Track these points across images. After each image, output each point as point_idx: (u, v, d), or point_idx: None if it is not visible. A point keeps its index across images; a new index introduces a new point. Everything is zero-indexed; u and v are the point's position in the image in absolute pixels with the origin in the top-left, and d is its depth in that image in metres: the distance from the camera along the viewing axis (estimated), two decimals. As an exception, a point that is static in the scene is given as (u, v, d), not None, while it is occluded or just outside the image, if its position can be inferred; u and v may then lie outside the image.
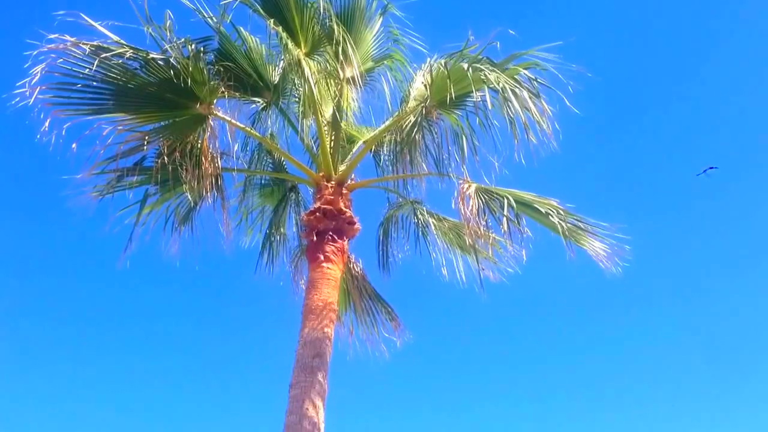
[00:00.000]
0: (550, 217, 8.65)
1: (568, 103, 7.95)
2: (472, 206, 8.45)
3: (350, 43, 8.54)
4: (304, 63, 8.24)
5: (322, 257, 8.60)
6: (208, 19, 8.54)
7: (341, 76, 8.77)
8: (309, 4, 8.83)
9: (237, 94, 8.83)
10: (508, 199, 8.49)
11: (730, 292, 23.64)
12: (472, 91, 7.97)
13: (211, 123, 8.59)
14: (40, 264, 23.30)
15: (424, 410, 23.07)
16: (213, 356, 23.75)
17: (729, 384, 22.23)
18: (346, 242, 8.97)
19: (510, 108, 7.67)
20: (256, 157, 10.32)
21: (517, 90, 7.77)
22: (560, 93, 7.97)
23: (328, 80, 9.21)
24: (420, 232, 10.46)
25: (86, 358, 22.80)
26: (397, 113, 9.42)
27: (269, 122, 9.64)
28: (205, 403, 23.04)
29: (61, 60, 7.76)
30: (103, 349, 23.22)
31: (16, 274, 22.55)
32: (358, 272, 10.36)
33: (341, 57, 8.50)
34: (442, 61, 8.41)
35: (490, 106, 7.87)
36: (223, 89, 8.51)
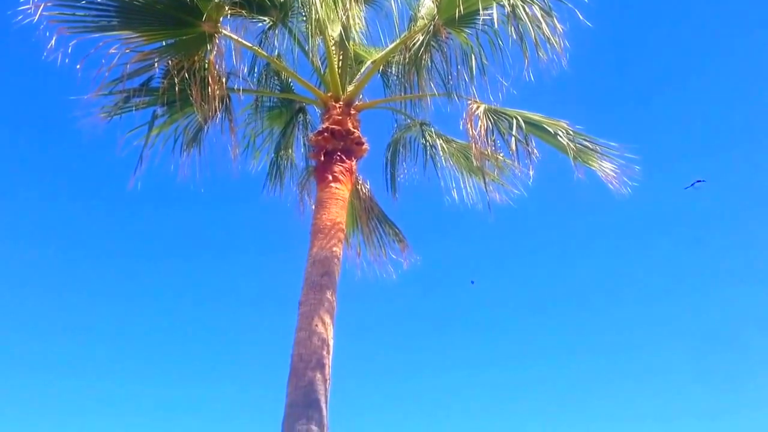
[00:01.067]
0: (558, 137, 8.62)
1: (581, 17, 7.83)
2: (481, 127, 8.43)
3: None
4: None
5: (330, 177, 8.63)
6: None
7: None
8: None
9: (243, 12, 8.69)
10: (516, 119, 8.46)
11: (739, 212, 23.56)
12: (482, 9, 7.85)
13: (218, 42, 8.50)
14: (51, 184, 23.52)
15: (430, 331, 23.50)
16: (221, 277, 24.17)
17: (735, 306, 22.49)
18: (354, 163, 8.98)
19: (520, 25, 7.58)
20: (264, 78, 10.27)
21: (527, 7, 7.66)
22: (572, 6, 7.84)
23: (335, -2, 9.07)
24: (428, 154, 10.47)
25: (95, 282, 23.25)
26: (405, 32, 9.30)
27: (276, 42, 9.53)
28: (214, 323, 23.54)
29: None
30: (112, 271, 23.64)
31: (26, 196, 22.82)
32: (365, 193, 10.41)
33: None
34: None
35: (498, 24, 7.76)
36: (228, 7, 8.39)
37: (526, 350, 23.49)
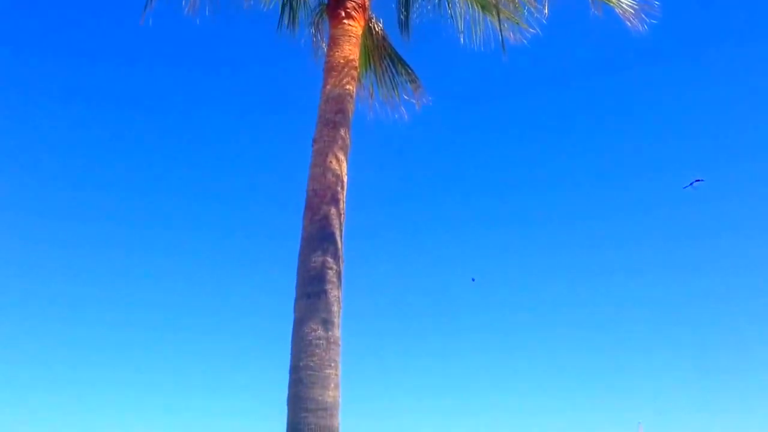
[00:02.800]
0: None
1: None
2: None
3: None
4: None
5: (343, 13, 8.50)
6: None
7: None
8: None
9: None
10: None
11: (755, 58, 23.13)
12: None
13: None
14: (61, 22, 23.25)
15: (439, 175, 23.70)
16: (233, 113, 24.25)
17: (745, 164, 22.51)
18: (367, -1, 8.80)
19: None
20: None
21: None
22: None
23: None
24: (442, -10, 10.18)
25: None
26: None
27: None
28: (229, 156, 23.87)
29: None
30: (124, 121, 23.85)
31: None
32: (378, 32, 10.24)
33: None
34: None
35: None
36: None
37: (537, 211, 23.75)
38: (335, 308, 7.63)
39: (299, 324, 7.55)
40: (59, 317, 23.26)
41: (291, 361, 7.44)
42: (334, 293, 7.67)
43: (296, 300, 7.73)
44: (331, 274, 7.71)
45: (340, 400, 7.36)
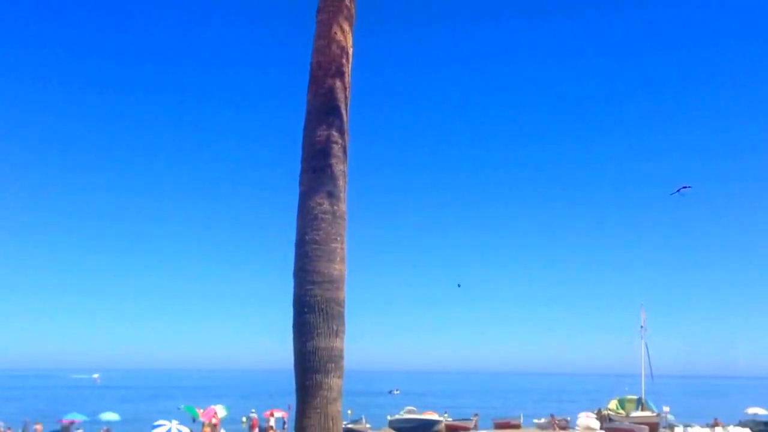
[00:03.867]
0: None
1: None
2: None
3: None
4: None
5: None
6: None
7: None
8: None
9: None
10: None
11: None
12: None
13: None
14: None
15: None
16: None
17: None
18: None
19: None
20: None
21: None
22: None
23: None
24: None
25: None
26: None
27: None
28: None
29: None
30: None
31: None
32: None
33: None
34: None
35: None
36: None
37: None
38: (341, 182, 7.70)
39: (305, 198, 7.65)
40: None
41: (297, 234, 7.60)
42: (339, 167, 7.72)
43: (301, 174, 7.79)
44: (336, 149, 7.73)
45: (346, 273, 7.56)
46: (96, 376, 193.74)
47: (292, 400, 7.21)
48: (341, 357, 7.30)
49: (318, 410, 7.01)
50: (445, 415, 48.09)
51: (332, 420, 7.03)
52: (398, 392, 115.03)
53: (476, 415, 50.73)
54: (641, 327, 51.05)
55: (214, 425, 46.49)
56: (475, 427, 47.13)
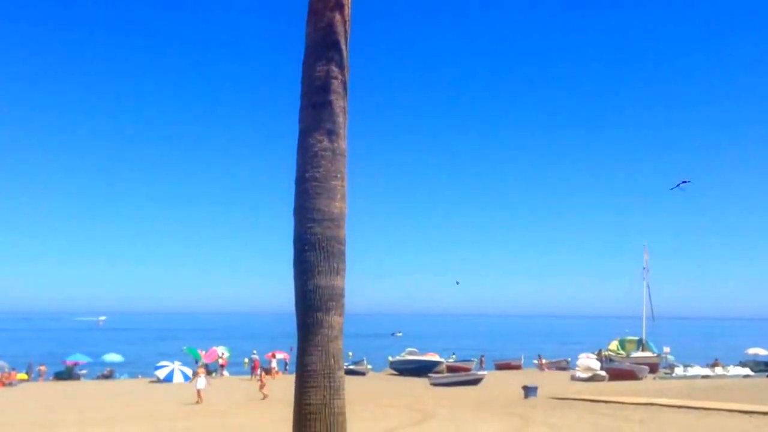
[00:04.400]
0: None
1: None
2: None
3: None
4: None
5: None
6: None
7: None
8: None
9: None
10: None
11: None
12: None
13: None
14: None
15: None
16: None
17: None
18: None
19: None
20: None
21: None
22: None
23: None
24: None
25: None
26: None
27: None
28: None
29: None
30: None
31: None
32: None
33: None
34: None
35: None
36: None
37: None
38: (341, 119, 7.50)
39: (304, 134, 7.46)
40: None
41: (297, 172, 7.44)
42: (339, 103, 7.50)
43: (301, 110, 7.59)
44: (336, 84, 7.50)
45: (347, 210, 7.39)
46: (102, 318, 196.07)
47: (294, 343, 7.14)
48: (342, 295, 7.22)
49: (319, 348, 6.97)
50: (453, 357, 48.71)
51: (333, 357, 6.99)
52: (401, 335, 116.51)
53: (482, 356, 52.36)
54: (644, 268, 51.36)
55: (221, 366, 47.17)
56: (483, 367, 48.02)
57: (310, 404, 6.88)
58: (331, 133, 7.38)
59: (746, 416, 17.82)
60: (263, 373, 33.37)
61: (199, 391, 27.93)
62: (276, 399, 26.84)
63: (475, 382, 37.00)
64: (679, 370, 41.97)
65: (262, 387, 30.16)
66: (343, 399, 7.05)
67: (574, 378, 39.10)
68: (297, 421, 6.95)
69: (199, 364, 38.79)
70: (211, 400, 28.90)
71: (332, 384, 6.94)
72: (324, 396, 6.90)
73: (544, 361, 50.91)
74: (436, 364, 45.13)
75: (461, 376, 39.00)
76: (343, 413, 7.02)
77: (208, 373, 46.51)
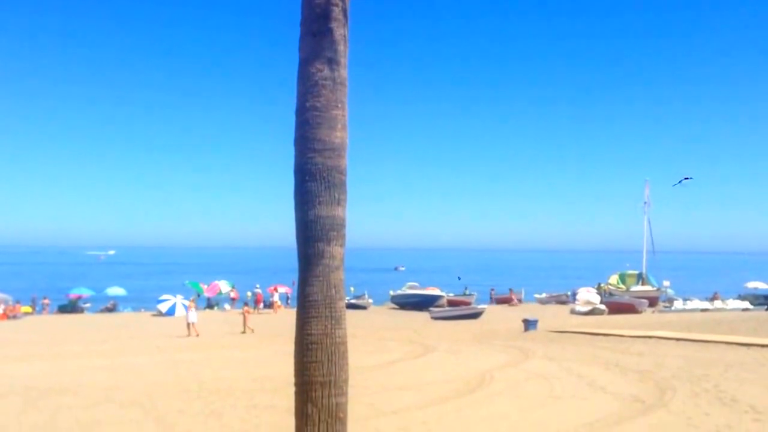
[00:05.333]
0: None
1: None
2: None
3: None
4: None
5: None
6: None
7: None
8: None
9: None
10: None
11: None
12: None
13: None
14: None
15: None
16: None
17: None
18: None
19: None
20: None
21: None
22: None
23: None
24: None
25: None
26: None
27: None
28: None
29: None
30: None
31: None
32: None
33: None
34: None
35: None
36: None
37: None
38: (341, 47, 7.31)
39: (304, 64, 7.28)
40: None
41: (297, 102, 7.28)
42: (340, 31, 7.30)
43: (300, 39, 7.39)
44: (336, 11, 7.29)
45: (347, 141, 7.28)
46: (111, 252, 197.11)
47: (296, 276, 7.08)
48: (343, 226, 7.14)
49: (320, 278, 6.93)
50: (466, 291, 49.17)
51: (335, 288, 6.95)
52: (403, 269, 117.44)
53: (492, 289, 53.56)
54: (645, 203, 51.30)
55: (233, 299, 47.63)
56: (493, 300, 48.88)
57: (311, 334, 6.88)
58: (332, 62, 7.19)
59: (744, 348, 18.02)
60: (246, 307, 33.18)
61: (191, 325, 28.11)
62: (277, 333, 27.18)
63: (476, 315, 37.47)
64: (678, 304, 42.37)
65: (245, 321, 30.52)
66: (345, 329, 7.05)
67: (573, 312, 39.47)
68: (298, 351, 6.96)
69: (191, 298, 39.13)
70: (215, 332, 29.26)
71: (333, 314, 6.93)
72: (325, 326, 6.89)
73: (513, 293, 51.37)
74: (437, 298, 45.58)
75: (461, 310, 39.45)
76: (344, 343, 7.03)
77: (210, 306, 47.08)
